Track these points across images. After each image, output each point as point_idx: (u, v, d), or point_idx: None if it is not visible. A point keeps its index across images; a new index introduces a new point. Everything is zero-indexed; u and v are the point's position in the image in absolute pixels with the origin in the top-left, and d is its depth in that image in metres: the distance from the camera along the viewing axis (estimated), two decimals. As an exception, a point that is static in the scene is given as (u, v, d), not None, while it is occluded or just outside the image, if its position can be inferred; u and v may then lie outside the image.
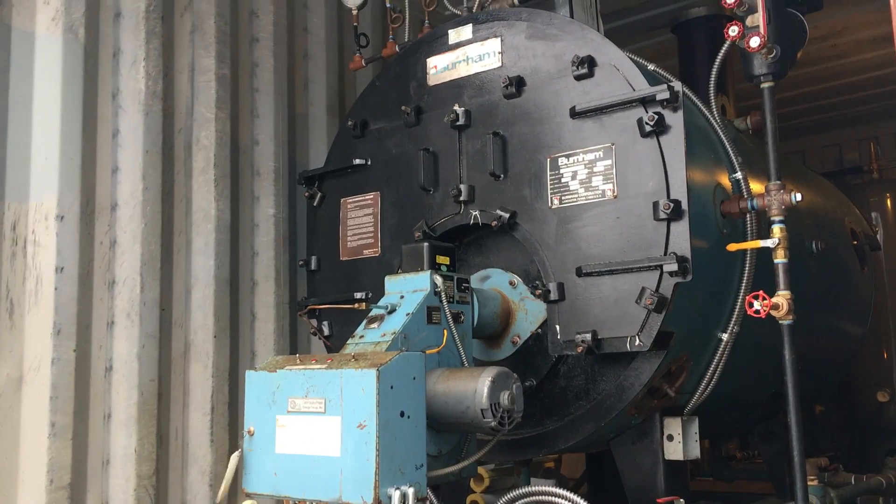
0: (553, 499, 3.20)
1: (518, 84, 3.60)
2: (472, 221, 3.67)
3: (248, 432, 2.87)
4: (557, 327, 3.35)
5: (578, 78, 3.42)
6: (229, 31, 4.66)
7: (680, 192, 3.12)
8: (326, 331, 4.08)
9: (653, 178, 3.18)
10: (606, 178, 3.29)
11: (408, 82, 4.04)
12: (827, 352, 5.19)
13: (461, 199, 3.70)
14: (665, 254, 3.11)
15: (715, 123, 3.73)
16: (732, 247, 3.33)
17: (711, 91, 3.71)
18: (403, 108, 3.95)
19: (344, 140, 4.27)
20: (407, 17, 4.48)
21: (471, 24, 3.85)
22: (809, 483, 3.89)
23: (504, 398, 2.90)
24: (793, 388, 3.24)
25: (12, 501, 3.45)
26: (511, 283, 3.66)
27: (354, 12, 4.73)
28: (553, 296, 3.36)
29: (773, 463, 4.72)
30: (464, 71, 3.84)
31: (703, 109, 3.75)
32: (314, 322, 4.10)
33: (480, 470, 4.09)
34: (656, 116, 3.15)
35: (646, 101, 3.21)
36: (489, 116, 3.70)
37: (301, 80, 5.25)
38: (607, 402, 3.39)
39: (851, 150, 9.53)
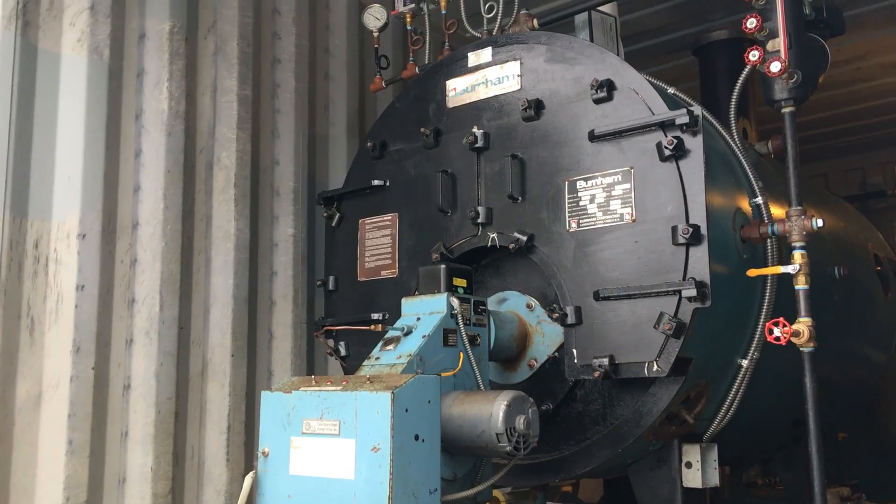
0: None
1: (537, 107, 3.60)
2: (489, 244, 3.66)
3: (263, 453, 2.87)
4: (574, 351, 3.33)
5: (597, 101, 3.42)
6: (251, 53, 4.71)
7: (699, 217, 3.10)
8: (343, 351, 4.08)
9: (672, 203, 3.16)
10: (625, 201, 3.28)
11: (427, 104, 4.06)
12: (850, 378, 5.11)
13: (479, 221, 3.70)
14: (684, 279, 3.08)
15: (735, 147, 3.71)
16: (753, 272, 3.30)
17: (732, 115, 3.69)
18: (422, 129, 3.96)
19: (363, 161, 4.29)
20: (427, 39, 4.51)
21: (490, 47, 3.86)
22: (831, 513, 3.82)
23: (520, 422, 2.88)
24: (814, 416, 3.19)
25: (29, 518, 3.47)
26: (528, 306, 3.64)
27: (375, 34, 4.77)
28: (570, 319, 3.34)
29: (794, 491, 4.64)
30: (483, 93, 3.85)
31: (724, 133, 3.73)
32: (331, 342, 4.11)
33: (496, 493, 4.07)
34: (675, 141, 3.13)
35: (665, 125, 3.20)
36: (508, 139, 3.70)
37: (322, 101, 5.29)
38: (624, 428, 3.35)
39: (875, 174, 9.44)
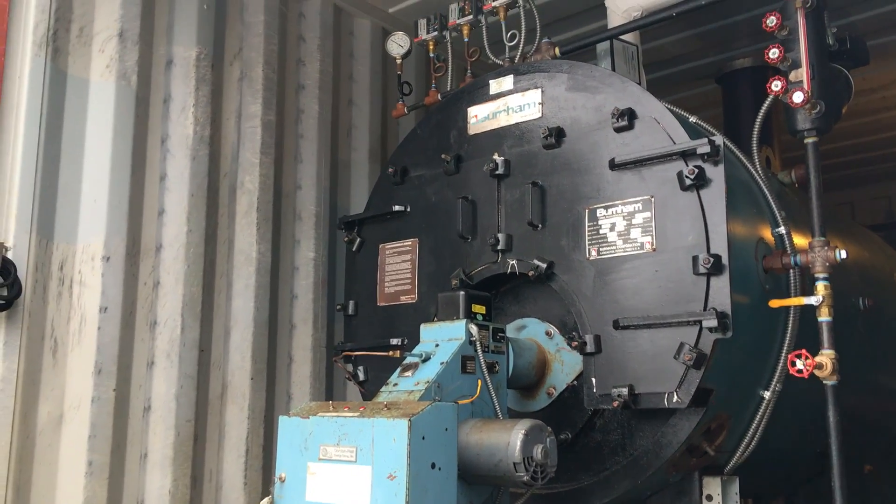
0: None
1: (558, 135, 3.61)
2: (509, 270, 3.66)
3: (280, 478, 2.86)
4: (593, 380, 3.31)
5: (618, 130, 3.42)
6: (276, 79, 4.78)
7: (720, 247, 3.08)
8: (362, 376, 4.08)
9: (692, 232, 3.14)
10: (645, 230, 3.27)
11: (448, 131, 4.08)
12: (877, 410, 5.02)
13: (499, 247, 3.70)
14: (705, 309, 3.06)
15: (758, 177, 3.69)
16: (775, 303, 3.26)
17: (754, 145, 3.67)
18: (444, 156, 3.98)
19: (384, 186, 4.31)
20: (450, 66, 4.55)
21: (512, 75, 3.88)
22: (856, 549, 3.74)
23: (537, 452, 2.85)
24: (837, 450, 3.14)
25: (47, 539, 3.49)
26: (547, 334, 3.63)
27: (399, 61, 4.82)
28: (589, 348, 3.32)
29: (818, 526, 4.55)
30: (504, 121, 3.87)
31: (746, 162, 3.71)
32: (350, 367, 4.11)
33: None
34: (696, 170, 3.12)
35: (686, 155, 3.19)
36: (528, 166, 3.71)
37: (345, 127, 5.34)
38: (644, 459, 3.31)
39: (902, 203, 9.35)
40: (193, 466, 4.07)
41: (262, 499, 2.96)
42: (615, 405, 3.17)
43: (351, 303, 4.28)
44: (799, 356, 3.11)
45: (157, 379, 3.96)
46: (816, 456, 4.15)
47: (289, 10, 4.99)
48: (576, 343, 3.39)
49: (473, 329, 3.17)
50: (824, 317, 3.18)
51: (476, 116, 3.98)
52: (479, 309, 3.32)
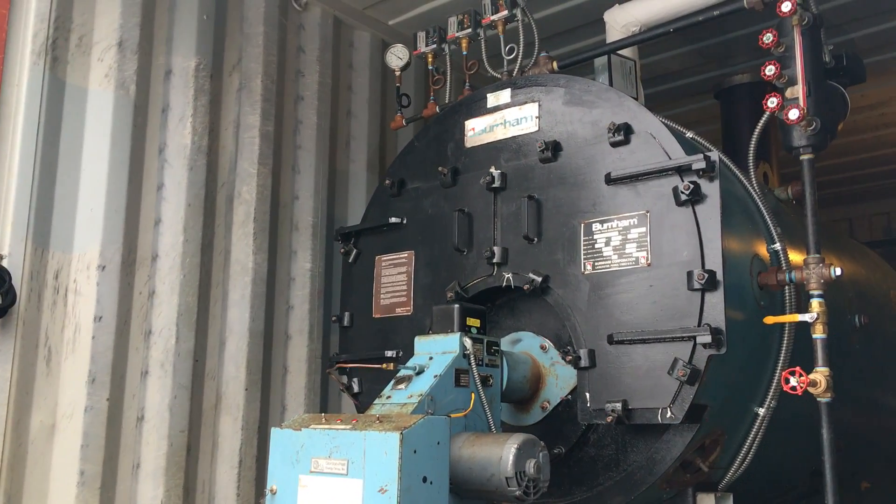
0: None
1: (554, 149, 3.62)
2: (504, 284, 3.65)
3: (271, 490, 2.85)
4: (587, 395, 3.30)
5: (614, 145, 3.43)
6: (275, 90, 4.79)
7: (715, 263, 3.08)
8: (356, 388, 4.07)
9: (687, 248, 3.14)
10: (640, 245, 3.27)
11: (446, 143, 4.09)
12: (873, 427, 5.01)
13: (494, 261, 3.70)
14: (699, 325, 3.05)
15: (754, 193, 3.69)
16: (769, 320, 3.26)
17: (751, 161, 3.68)
18: (440, 168, 3.99)
19: (381, 198, 4.32)
20: (449, 79, 4.56)
21: (509, 89, 3.89)
22: (851, 568, 3.72)
23: (530, 467, 2.84)
24: (831, 467, 3.13)
25: (38, 549, 3.47)
26: (542, 348, 3.62)
27: (398, 73, 4.84)
28: (584, 362, 3.32)
29: (814, 543, 4.53)
30: (501, 134, 3.87)
31: (742, 178, 3.72)
32: (344, 379, 4.10)
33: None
34: (692, 186, 3.13)
35: (682, 170, 3.20)
36: (525, 180, 3.71)
37: (343, 138, 5.35)
38: (637, 475, 3.30)
39: (900, 220, 9.36)
40: (186, 477, 4.06)
41: (253, 511, 2.95)
42: (609, 420, 3.16)
43: (346, 314, 4.27)
44: (793, 373, 3.11)
45: (150, 389, 3.95)
46: (812, 473, 4.14)
47: (289, 21, 5.01)
48: (570, 357, 3.38)
49: (467, 342, 3.17)
50: (819, 334, 3.17)
51: (473, 129, 3.99)
52: (473, 322, 3.32)
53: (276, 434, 2.89)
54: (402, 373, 3.16)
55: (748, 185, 3.72)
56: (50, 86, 3.74)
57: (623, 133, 3.39)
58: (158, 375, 3.98)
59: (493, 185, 3.77)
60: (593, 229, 3.42)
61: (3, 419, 3.39)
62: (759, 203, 3.67)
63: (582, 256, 3.43)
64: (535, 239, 3.61)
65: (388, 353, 3.95)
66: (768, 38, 3.34)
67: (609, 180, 3.38)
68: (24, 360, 3.49)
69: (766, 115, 3.41)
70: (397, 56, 4.82)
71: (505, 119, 3.88)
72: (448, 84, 4.59)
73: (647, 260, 3.24)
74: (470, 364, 3.15)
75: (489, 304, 3.77)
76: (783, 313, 3.40)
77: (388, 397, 3.06)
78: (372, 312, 4.17)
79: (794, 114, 3.21)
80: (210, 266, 4.33)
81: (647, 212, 3.27)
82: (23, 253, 3.53)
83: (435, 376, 3.05)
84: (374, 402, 3.06)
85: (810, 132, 3.28)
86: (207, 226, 4.31)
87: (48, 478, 3.54)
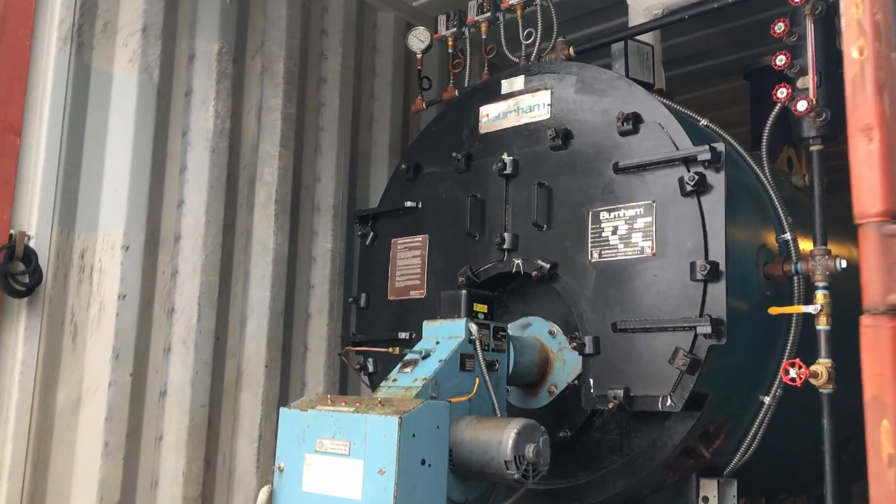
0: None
1: (565, 136, 3.64)
2: (514, 269, 3.71)
3: (279, 468, 2.97)
4: (591, 381, 3.35)
5: (623, 134, 3.44)
6: (297, 73, 4.85)
7: (718, 254, 3.09)
8: (370, 368, 4.17)
9: (692, 238, 3.16)
10: (646, 234, 3.29)
11: (461, 129, 4.13)
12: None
13: (505, 246, 3.75)
14: (700, 315, 3.08)
15: (766, 182, 3.68)
16: (773, 311, 3.27)
17: (764, 151, 3.65)
18: (455, 154, 4.03)
19: (398, 182, 4.38)
20: (468, 62, 4.59)
21: (523, 76, 3.92)
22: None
23: (529, 451, 2.91)
24: (830, 458, 3.15)
25: (64, 516, 3.65)
26: (550, 333, 3.68)
27: (419, 56, 4.86)
28: (588, 349, 3.37)
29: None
30: (514, 121, 3.90)
31: (755, 166, 3.70)
32: (358, 360, 4.20)
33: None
34: (697, 176, 3.14)
35: (688, 161, 3.21)
36: (536, 167, 3.75)
37: (365, 120, 5.41)
38: (640, 460, 3.36)
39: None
40: (207, 450, 4.21)
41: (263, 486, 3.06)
42: (610, 406, 3.22)
43: (363, 295, 4.36)
44: (793, 364, 3.12)
45: (173, 365, 4.10)
46: (818, 461, 4.15)
47: (312, 4, 5.06)
48: (575, 344, 3.44)
49: (473, 328, 3.23)
50: (822, 325, 3.17)
51: (487, 115, 4.02)
52: (480, 308, 3.39)
53: (284, 414, 3.00)
54: (409, 356, 3.24)
55: (760, 174, 3.70)
56: (76, 71, 3.84)
57: (632, 122, 3.41)
58: (181, 352, 4.12)
59: (505, 172, 3.81)
60: (601, 218, 3.45)
61: (31, 393, 3.55)
62: (772, 192, 3.66)
63: (589, 244, 3.47)
64: (545, 226, 3.65)
65: (402, 335, 4.04)
66: (780, 27, 3.32)
67: (617, 170, 3.41)
68: (50, 336, 3.64)
69: (777, 106, 3.39)
70: (419, 39, 4.85)
71: (518, 106, 3.90)
72: (467, 68, 4.61)
73: (653, 250, 3.27)
74: (475, 349, 3.22)
75: (500, 288, 3.83)
76: (791, 304, 3.40)
77: (394, 380, 3.15)
78: (387, 294, 4.26)
79: (802, 105, 3.20)
80: (232, 246, 4.45)
81: (654, 201, 3.30)
82: (49, 233, 3.66)
83: (440, 361, 3.13)
84: (381, 384, 3.15)
85: (819, 123, 3.26)
86: (229, 207, 4.42)
87: (74, 449, 3.70)
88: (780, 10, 3.46)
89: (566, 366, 3.60)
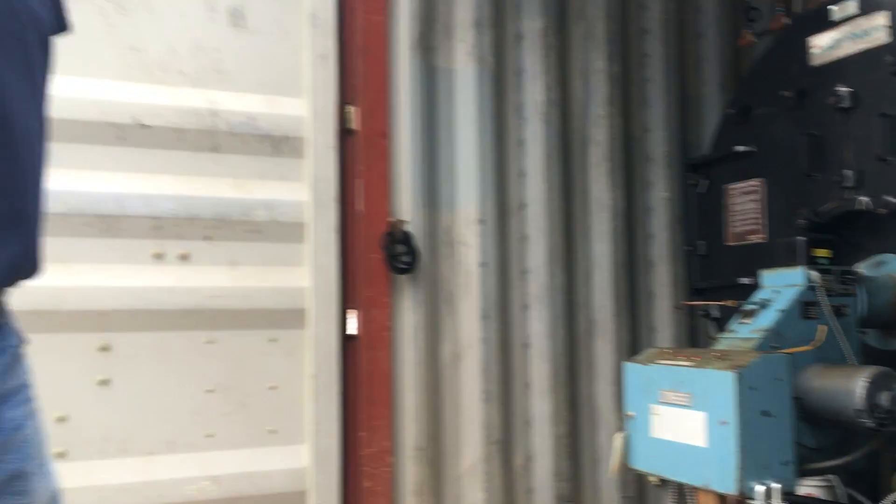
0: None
1: (908, 60, 3.36)
2: (859, 208, 3.54)
3: (629, 415, 3.29)
4: (957, 321, 3.13)
5: (979, 49, 3.09)
6: (618, 30, 4.99)
7: None
8: (714, 314, 4.27)
9: None
10: None
11: (789, 64, 3.97)
12: None
13: (847, 184, 3.59)
14: None
15: None
16: None
17: None
18: (784, 91, 3.91)
19: (727, 126, 4.35)
20: (796, -14, 4.35)
21: (855, -2, 3.65)
22: None
23: (883, 399, 2.87)
24: None
25: (458, 451, 4.35)
26: (908, 269, 3.47)
27: (744, -15, 4.70)
28: (951, 289, 3.14)
29: None
30: (848, 49, 3.67)
31: None
32: (701, 305, 4.32)
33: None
34: None
35: None
36: (876, 96, 3.51)
37: (692, 62, 5.35)
38: None
39: None
40: (570, 392, 4.67)
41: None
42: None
43: (700, 243, 4.45)
44: None
45: (531, 320, 4.59)
46: None
47: (626, -44, 5.12)
48: (936, 282, 3.22)
49: (814, 275, 3.21)
50: None
51: (818, 46, 3.82)
52: (821, 252, 3.35)
53: (628, 368, 3.30)
54: (747, 307, 3.33)
55: None
56: (424, 72, 4.42)
57: None
58: (537, 308, 4.59)
59: (842, 105, 3.62)
60: (956, 145, 3.16)
61: (423, 350, 4.27)
62: None
63: (944, 175, 3.20)
64: (891, 158, 3.42)
65: (744, 280, 4.07)
66: None
67: (972, 91, 3.08)
68: (430, 304, 4.32)
69: None
70: (741, -33, 4.68)
71: (852, 32, 3.66)
72: (796, -9, 4.38)
73: None
74: (818, 296, 3.20)
75: (847, 227, 3.68)
76: None
77: (734, 332, 3.27)
78: (725, 241, 4.30)
79: None
80: (572, 208, 4.79)
81: None
82: (420, 217, 4.32)
83: (779, 311, 3.18)
84: (720, 335, 3.29)
85: None
86: (566, 171, 4.76)
87: (459, 396, 4.37)
88: None
89: (929, 304, 3.38)
